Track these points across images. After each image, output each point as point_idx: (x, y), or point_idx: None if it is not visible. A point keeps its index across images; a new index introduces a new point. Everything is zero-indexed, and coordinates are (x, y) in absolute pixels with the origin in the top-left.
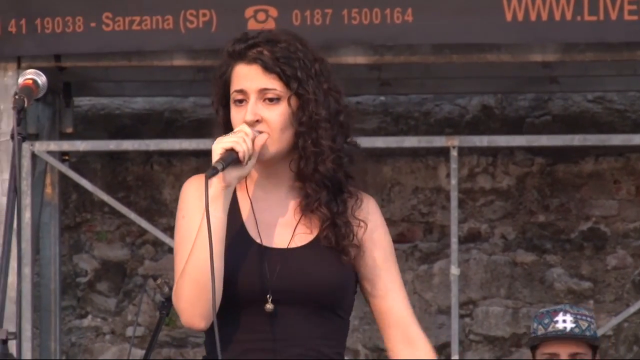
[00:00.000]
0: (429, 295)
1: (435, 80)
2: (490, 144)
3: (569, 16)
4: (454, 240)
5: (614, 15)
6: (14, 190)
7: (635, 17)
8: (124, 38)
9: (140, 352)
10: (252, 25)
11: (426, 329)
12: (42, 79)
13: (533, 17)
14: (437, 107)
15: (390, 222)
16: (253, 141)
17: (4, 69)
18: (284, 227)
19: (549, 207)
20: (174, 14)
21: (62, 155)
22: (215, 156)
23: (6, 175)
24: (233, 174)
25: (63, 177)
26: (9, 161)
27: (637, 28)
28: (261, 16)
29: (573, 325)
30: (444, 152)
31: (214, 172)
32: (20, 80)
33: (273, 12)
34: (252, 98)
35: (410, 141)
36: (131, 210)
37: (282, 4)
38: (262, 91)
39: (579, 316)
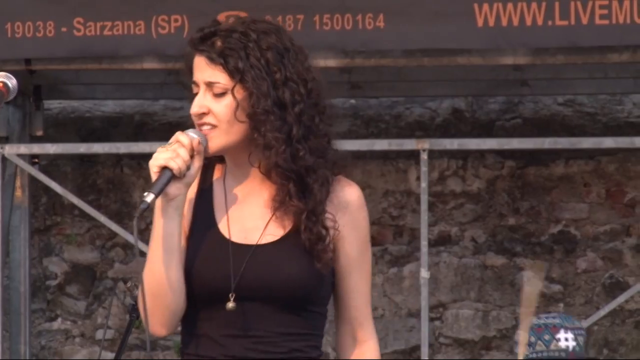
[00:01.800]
0: (399, 298)
1: (406, 83)
2: (461, 146)
3: (540, 21)
4: (424, 243)
5: (585, 20)
6: None
7: (606, 22)
8: (95, 43)
9: (110, 355)
10: None
11: (396, 331)
12: (12, 81)
13: (504, 22)
14: (407, 110)
15: None
16: (191, 147)
17: None
18: (255, 223)
19: (519, 210)
20: (145, 19)
21: (32, 158)
22: (152, 175)
23: None
24: (177, 186)
25: (33, 180)
26: None
27: (608, 32)
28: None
29: (574, 343)
30: (414, 155)
31: (145, 206)
32: None
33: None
34: (202, 89)
35: (381, 144)
36: (101, 213)
37: (254, 9)
38: (209, 84)
39: (576, 331)
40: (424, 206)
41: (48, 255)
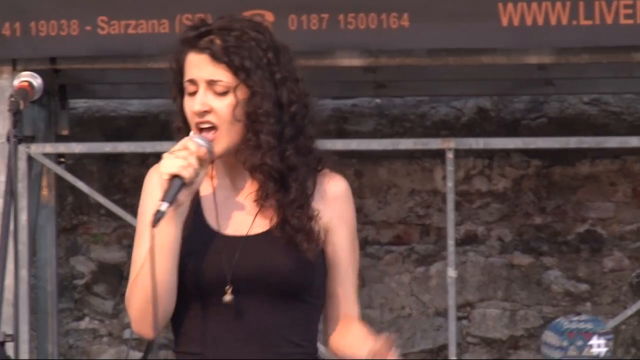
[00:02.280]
0: (426, 298)
1: (431, 83)
2: (486, 146)
3: (564, 20)
4: (450, 242)
5: (609, 19)
6: (10, 193)
7: (630, 21)
8: (119, 42)
9: (137, 355)
10: None
11: (423, 331)
12: (37, 81)
13: (529, 21)
14: (432, 110)
15: (386, 224)
16: (200, 154)
17: None
18: (244, 215)
19: (545, 210)
20: (169, 18)
21: (58, 158)
22: (162, 182)
23: (2, 178)
24: (185, 193)
25: (59, 179)
26: (5, 164)
27: (632, 31)
28: (257, 20)
29: (606, 349)
30: (440, 154)
31: (160, 215)
32: (16, 82)
33: (269, 16)
34: (202, 88)
35: (406, 143)
36: (127, 213)
37: (279, 8)
38: (211, 82)
39: (607, 336)
40: (450, 205)
41: (75, 254)
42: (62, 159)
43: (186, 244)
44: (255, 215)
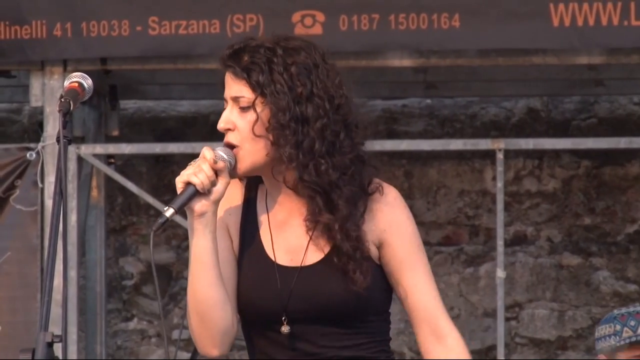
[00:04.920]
0: (475, 298)
1: (481, 83)
2: (536, 146)
3: (615, 21)
4: (500, 243)
5: None
6: (60, 194)
7: None
8: (170, 42)
9: (186, 355)
10: (298, 31)
11: (472, 331)
12: (87, 82)
13: (580, 22)
14: (482, 110)
15: (436, 224)
16: (212, 162)
17: (50, 72)
18: (297, 243)
19: (594, 210)
20: (220, 18)
21: (107, 158)
22: (178, 190)
23: (52, 179)
24: (202, 202)
25: (109, 180)
26: (55, 164)
27: None
28: (308, 21)
29: None
30: (489, 154)
31: (163, 220)
32: (66, 83)
33: (320, 17)
34: (229, 105)
35: (456, 144)
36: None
37: (330, 9)
38: (235, 99)
39: None
40: (500, 206)
41: (124, 255)
42: (112, 160)
43: (245, 272)
44: (308, 243)
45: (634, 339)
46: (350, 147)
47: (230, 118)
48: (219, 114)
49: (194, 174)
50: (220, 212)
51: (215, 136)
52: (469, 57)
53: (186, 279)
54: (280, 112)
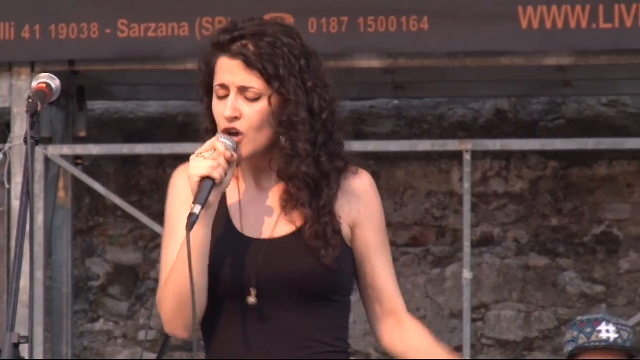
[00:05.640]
0: (442, 299)
1: (449, 84)
2: (504, 147)
3: (584, 24)
4: (466, 244)
5: (629, 23)
6: (27, 195)
7: None
8: (139, 44)
9: (152, 356)
10: None
11: (438, 332)
12: (55, 82)
13: (549, 25)
14: (450, 111)
15: (403, 225)
16: (227, 155)
17: (17, 73)
18: (268, 217)
19: (562, 211)
20: (189, 21)
21: (75, 159)
22: (192, 184)
23: (19, 179)
24: (215, 194)
25: (76, 181)
26: (22, 165)
27: None
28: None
29: (616, 335)
30: (457, 155)
31: (195, 219)
32: (34, 84)
33: (289, 19)
34: (233, 93)
35: (424, 145)
36: (144, 214)
37: (299, 11)
38: (243, 89)
39: (619, 326)
40: (467, 207)
41: (90, 256)
42: (79, 161)
43: (213, 247)
44: (279, 218)
45: (586, 345)
46: (341, 136)
47: (237, 106)
48: (187, 115)
49: (214, 168)
50: (189, 192)
51: (184, 137)
52: (438, 58)
53: (153, 279)
54: (300, 106)
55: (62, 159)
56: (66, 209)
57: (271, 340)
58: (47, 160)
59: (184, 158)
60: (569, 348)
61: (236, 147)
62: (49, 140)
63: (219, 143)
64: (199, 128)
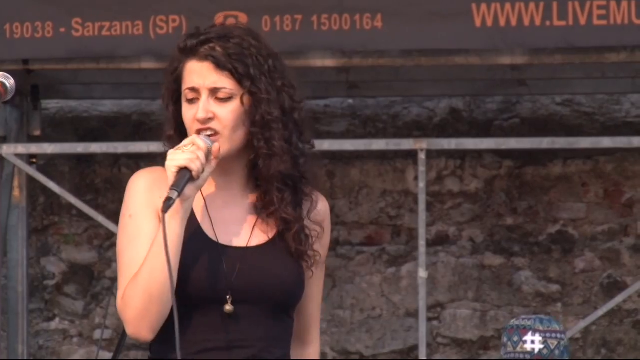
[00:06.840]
0: (397, 298)
1: (404, 83)
2: (459, 146)
3: (538, 21)
4: (421, 243)
5: (583, 20)
6: None
7: (604, 22)
8: (93, 43)
9: (108, 355)
10: None
11: (394, 331)
12: (10, 81)
13: (502, 22)
14: (405, 110)
15: (358, 224)
16: (207, 152)
17: None
18: (242, 226)
19: (517, 210)
20: (143, 19)
21: (30, 158)
22: (170, 175)
23: None
24: (191, 188)
25: (31, 179)
26: None
27: (605, 32)
28: (231, 22)
29: (542, 346)
30: (412, 155)
31: (170, 203)
32: None
33: (243, 17)
34: (204, 95)
35: (379, 144)
36: (99, 213)
37: (252, 9)
38: (214, 90)
39: (548, 334)
40: (421, 206)
41: (46, 255)
42: (34, 160)
43: (185, 254)
44: (254, 225)
45: (512, 355)
46: (309, 136)
47: (209, 107)
48: (141, 114)
49: (192, 160)
50: (151, 196)
51: (138, 136)
52: (392, 57)
53: (108, 278)
54: (272, 104)
55: (17, 158)
56: (21, 207)
57: (234, 347)
58: (2, 159)
59: (139, 157)
60: (501, 353)
61: (212, 147)
62: (3, 139)
63: (199, 139)
64: (154, 127)
